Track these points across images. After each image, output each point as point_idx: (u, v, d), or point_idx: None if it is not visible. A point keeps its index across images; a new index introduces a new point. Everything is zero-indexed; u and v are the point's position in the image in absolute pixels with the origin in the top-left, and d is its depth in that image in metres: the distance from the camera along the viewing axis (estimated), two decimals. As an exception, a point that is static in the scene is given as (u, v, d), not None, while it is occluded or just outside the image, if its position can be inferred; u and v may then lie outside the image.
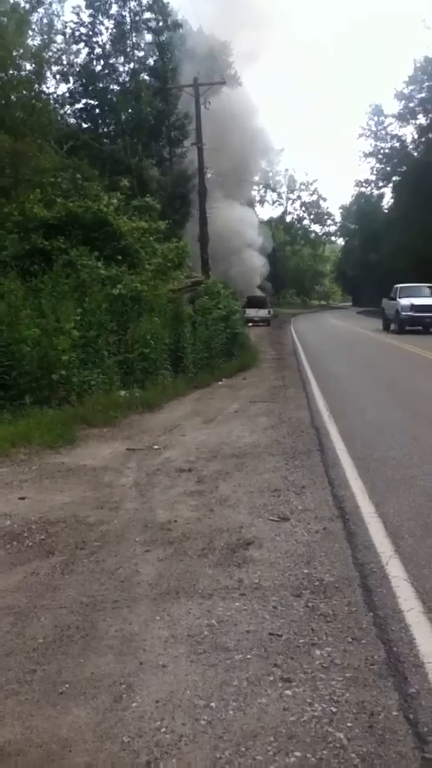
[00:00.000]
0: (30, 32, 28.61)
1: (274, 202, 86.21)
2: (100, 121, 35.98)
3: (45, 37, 36.93)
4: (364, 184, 64.54)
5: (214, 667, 3.04)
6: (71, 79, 35.53)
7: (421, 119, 50.12)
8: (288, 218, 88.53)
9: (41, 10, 37.17)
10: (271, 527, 4.85)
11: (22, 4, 29.24)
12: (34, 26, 30.03)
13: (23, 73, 25.77)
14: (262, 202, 79.76)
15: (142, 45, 36.19)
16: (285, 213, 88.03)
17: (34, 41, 29.04)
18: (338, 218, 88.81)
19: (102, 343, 9.92)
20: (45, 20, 37.52)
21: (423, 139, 49.75)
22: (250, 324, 35.78)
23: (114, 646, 3.23)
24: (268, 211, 79.98)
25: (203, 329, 13.84)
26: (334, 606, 3.60)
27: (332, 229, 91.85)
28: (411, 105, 50.38)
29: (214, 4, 58.02)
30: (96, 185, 15.86)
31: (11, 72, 24.49)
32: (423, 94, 48.64)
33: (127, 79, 35.46)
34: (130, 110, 34.16)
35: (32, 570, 4.17)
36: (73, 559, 4.30)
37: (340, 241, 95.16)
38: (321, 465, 6.65)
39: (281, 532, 4.74)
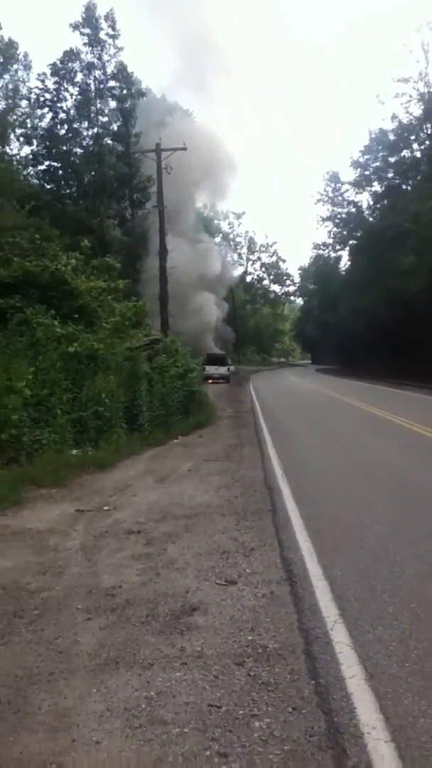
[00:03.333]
0: (-6, 97, 29.44)
1: (234, 263, 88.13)
2: (63, 183, 36.62)
3: (10, 101, 38.02)
4: (321, 247, 66.44)
5: (150, 742, 2.93)
6: (35, 142, 36.37)
7: (376, 186, 52.30)
8: (248, 278, 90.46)
9: (6, 76, 38.40)
10: (218, 591, 4.78)
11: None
12: (-1, 91, 30.86)
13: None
14: (224, 263, 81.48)
15: (106, 111, 37.25)
16: (245, 273, 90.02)
17: (-2, 105, 29.84)
18: (297, 279, 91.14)
19: (55, 401, 9.84)
20: (10, 86, 38.76)
21: (378, 206, 51.79)
22: (210, 381, 35.97)
23: (46, 722, 3.10)
24: (229, 272, 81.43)
25: (159, 387, 13.86)
26: (276, 674, 3.54)
27: (291, 289, 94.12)
28: (366, 173, 52.61)
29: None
30: (55, 245, 15.97)
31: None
32: (378, 164, 50.92)
33: (90, 142, 36.34)
34: (93, 173, 34.87)
35: (-34, 640, 4.00)
36: (10, 628, 4.15)
37: (300, 301, 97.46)
38: (272, 526, 6.62)
39: (228, 596, 4.68)
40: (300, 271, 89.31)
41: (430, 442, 12.24)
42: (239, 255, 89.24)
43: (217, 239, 70.77)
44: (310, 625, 4.17)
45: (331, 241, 60.91)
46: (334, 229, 57.69)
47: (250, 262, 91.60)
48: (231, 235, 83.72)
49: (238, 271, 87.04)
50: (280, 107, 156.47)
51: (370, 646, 3.84)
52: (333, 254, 65.72)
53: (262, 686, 3.41)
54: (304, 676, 3.52)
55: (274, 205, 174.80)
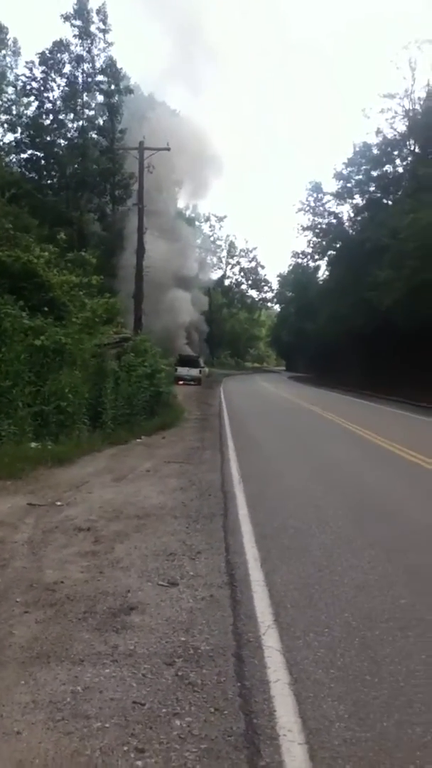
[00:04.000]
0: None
1: (213, 266, 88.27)
2: (44, 173, 36.45)
3: (-5, 86, 37.76)
4: (300, 256, 66.90)
5: (70, 735, 2.99)
6: (19, 130, 36.14)
7: (357, 199, 52.88)
8: (226, 282, 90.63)
9: (-7, 61, 38.15)
10: (158, 592, 4.84)
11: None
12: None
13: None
14: (203, 266, 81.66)
15: (93, 105, 37.20)
16: (224, 277, 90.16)
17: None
18: (275, 285, 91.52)
19: (17, 393, 9.81)
20: (-3, 71, 38.50)
21: (359, 218, 52.36)
22: (181, 382, 36.00)
23: (-31, 712, 3.14)
24: (207, 274, 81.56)
25: (126, 386, 13.88)
26: (203, 675, 3.62)
27: (269, 295, 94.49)
28: (348, 185, 53.16)
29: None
30: (29, 236, 15.89)
31: None
32: (360, 176, 51.49)
33: (75, 135, 36.24)
34: (75, 165, 34.74)
35: None
36: None
37: (277, 308, 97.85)
38: (221, 530, 6.71)
39: (167, 597, 4.75)
40: (279, 278, 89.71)
41: (391, 456, 12.44)
42: (219, 258, 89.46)
43: (198, 241, 70.81)
44: (243, 629, 4.26)
45: (310, 250, 61.44)
46: (314, 238, 58.17)
47: (230, 266, 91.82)
48: (211, 238, 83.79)
49: (216, 274, 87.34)
50: (269, 111, 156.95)
51: (299, 651, 3.94)
52: (312, 263, 66.22)
53: (188, 686, 3.49)
54: (230, 678, 3.60)
55: (256, 211, 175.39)
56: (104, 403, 12.66)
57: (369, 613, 4.56)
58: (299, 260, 68.71)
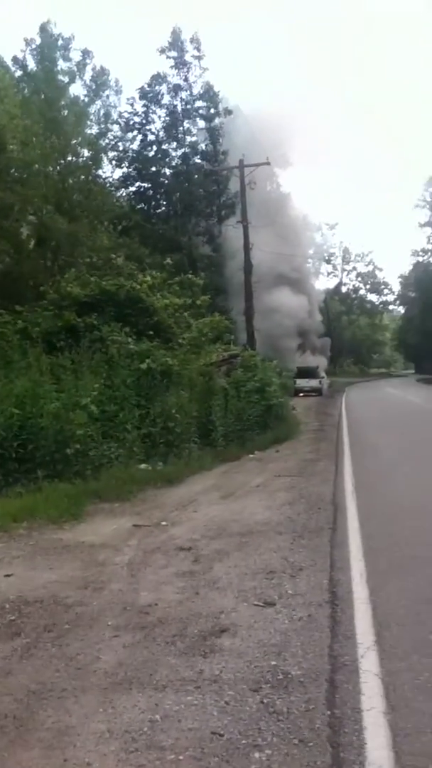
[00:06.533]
0: (88, 122, 30.78)
1: (329, 274, 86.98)
2: (152, 203, 37.63)
3: (102, 126, 39.56)
4: (420, 253, 64.55)
5: (141, 767, 2.85)
6: (126, 164, 37.61)
7: None
8: (344, 289, 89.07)
9: (99, 102, 40.04)
10: (253, 613, 4.63)
11: (82, 97, 31.59)
12: (92, 116, 32.31)
13: (81, 159, 27.56)
14: (316, 274, 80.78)
15: (194, 131, 38.04)
16: (340, 284, 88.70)
17: (91, 130, 31.16)
18: (396, 287, 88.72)
19: (123, 417, 10.00)
20: (102, 111, 40.35)
21: None
22: (301, 394, 35.62)
23: (44, 740, 3.08)
24: (323, 283, 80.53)
25: (235, 401, 13.82)
26: (290, 703, 3.36)
27: (390, 298, 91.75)
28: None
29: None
30: (130, 265, 16.39)
31: (70, 158, 26.23)
32: None
33: (179, 162, 37.19)
34: (179, 193, 35.58)
35: (-8, 653, 4.08)
36: (37, 642, 4.20)
37: (401, 310, 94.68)
38: (328, 545, 6.39)
39: (262, 618, 4.52)
40: (400, 279, 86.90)
41: None
42: (333, 266, 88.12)
43: (311, 251, 70.12)
44: (340, 651, 3.95)
45: (431, 247, 59.11)
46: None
47: (345, 273, 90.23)
48: (324, 246, 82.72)
49: (333, 282, 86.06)
50: (374, 108, 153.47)
51: (399, 675, 3.58)
52: (434, 260, 63.68)
53: (272, 715, 3.24)
54: (320, 706, 3.32)
55: (369, 214, 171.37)
56: (214, 420, 12.65)
57: None
58: (419, 258, 66.35)
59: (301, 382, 37.58)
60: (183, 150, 37.11)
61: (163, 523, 7.47)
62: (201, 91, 36.91)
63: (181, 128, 36.96)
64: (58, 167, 23.61)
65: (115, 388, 10.34)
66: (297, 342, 51.95)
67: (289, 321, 48.07)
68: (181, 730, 3.14)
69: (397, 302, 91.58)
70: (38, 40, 27.04)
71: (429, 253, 62.10)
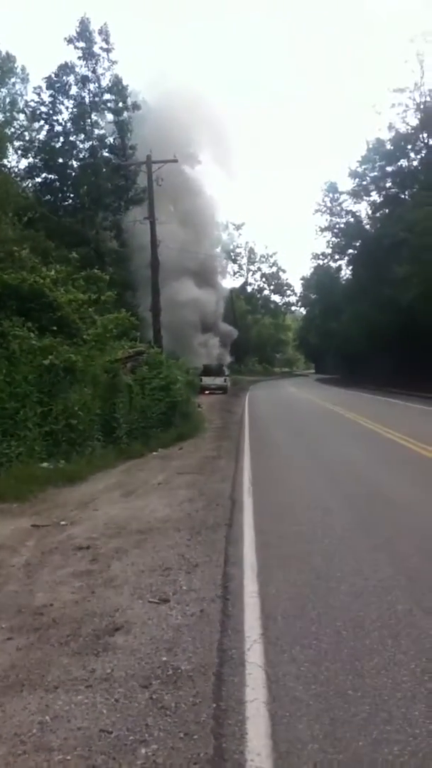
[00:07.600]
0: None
1: (235, 273, 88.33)
2: (59, 195, 36.85)
3: (8, 114, 38.32)
4: (321, 257, 66.58)
5: (28, 770, 2.89)
6: (32, 155, 36.63)
7: (374, 196, 52.41)
8: (249, 289, 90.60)
9: (4, 90, 38.75)
10: (147, 610, 4.73)
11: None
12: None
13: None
14: (223, 273, 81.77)
15: (102, 124, 37.51)
16: (246, 284, 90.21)
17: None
18: (298, 288, 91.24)
19: (24, 414, 9.82)
20: (8, 99, 39.09)
21: (377, 215, 51.87)
22: (207, 392, 36.01)
23: None
24: (229, 282, 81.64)
25: (139, 399, 13.84)
26: (179, 697, 3.48)
27: (293, 299, 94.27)
28: (364, 183, 52.71)
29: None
30: (34, 257, 16.01)
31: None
32: (375, 173, 51.03)
33: (86, 155, 36.58)
34: (86, 186, 35.03)
35: None
36: None
37: (302, 311, 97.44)
38: (224, 540, 6.57)
39: (155, 615, 4.63)
40: (302, 281, 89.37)
41: (413, 455, 12.13)
42: (239, 266, 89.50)
43: (217, 249, 70.74)
44: (229, 645, 4.12)
45: (329, 251, 61.15)
46: (333, 238, 57.87)
47: (251, 273, 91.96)
48: (230, 246, 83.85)
49: (239, 282, 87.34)
50: (281, 115, 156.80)
51: (281, 666, 3.78)
52: (332, 264, 65.80)
53: (160, 710, 3.36)
54: (207, 699, 3.46)
55: (273, 217, 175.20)
56: (118, 418, 12.62)
57: (362, 621, 4.38)
58: (319, 261, 68.45)
59: (207, 380, 37.98)
60: (91, 143, 36.54)
61: (63, 522, 7.42)
62: (109, 84, 36.48)
63: (89, 120, 36.35)
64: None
65: (16, 384, 10.13)
66: (203, 337, 52.28)
67: (195, 315, 48.15)
68: (70, 730, 3.20)
69: (299, 303, 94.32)
70: None
71: (328, 257, 64.22)
